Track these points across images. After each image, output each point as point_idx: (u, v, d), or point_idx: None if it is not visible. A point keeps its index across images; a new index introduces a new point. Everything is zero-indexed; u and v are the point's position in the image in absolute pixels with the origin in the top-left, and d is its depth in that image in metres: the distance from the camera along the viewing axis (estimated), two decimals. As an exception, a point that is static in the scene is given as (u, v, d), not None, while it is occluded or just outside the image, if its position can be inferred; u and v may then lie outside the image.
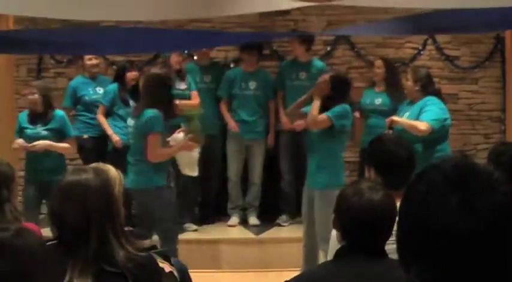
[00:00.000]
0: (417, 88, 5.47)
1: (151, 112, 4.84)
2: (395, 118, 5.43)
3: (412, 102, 5.51)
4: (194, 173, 5.33)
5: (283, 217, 6.58)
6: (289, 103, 6.56)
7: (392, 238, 2.46)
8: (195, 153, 5.23)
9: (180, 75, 6.33)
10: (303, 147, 6.53)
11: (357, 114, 6.25)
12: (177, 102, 6.18)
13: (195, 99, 6.33)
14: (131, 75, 6.22)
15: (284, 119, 6.55)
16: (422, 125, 5.20)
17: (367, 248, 2.14)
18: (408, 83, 5.57)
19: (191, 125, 5.04)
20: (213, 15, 5.82)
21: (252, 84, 6.53)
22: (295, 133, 6.48)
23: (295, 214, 6.58)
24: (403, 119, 5.39)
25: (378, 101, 6.27)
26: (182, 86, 6.32)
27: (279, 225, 6.56)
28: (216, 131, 6.60)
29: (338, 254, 2.20)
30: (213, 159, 6.63)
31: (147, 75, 5.30)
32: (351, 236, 2.18)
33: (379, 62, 6.40)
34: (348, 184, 2.39)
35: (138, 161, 4.91)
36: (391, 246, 2.37)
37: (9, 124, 6.59)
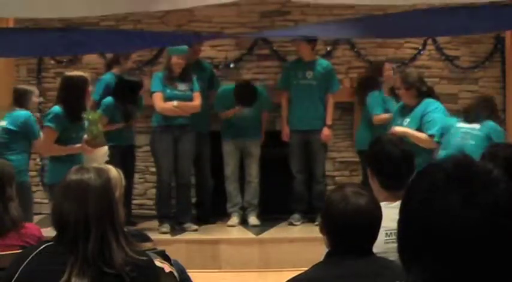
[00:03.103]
0: (413, 93, 5.43)
1: (54, 108, 5.16)
2: (397, 129, 5.41)
3: (408, 107, 5.50)
4: None
5: (296, 216, 6.59)
6: (295, 103, 6.60)
7: (392, 237, 2.47)
8: (105, 157, 5.25)
9: (182, 76, 6.32)
10: (314, 147, 6.57)
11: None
12: (175, 103, 6.22)
13: (197, 100, 6.32)
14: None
15: (285, 129, 6.57)
16: (429, 142, 5.25)
17: (355, 250, 2.18)
18: (401, 91, 5.54)
19: (90, 128, 5.12)
20: (179, 7, 5.85)
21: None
22: (305, 133, 6.51)
23: (306, 213, 6.64)
24: (406, 129, 5.37)
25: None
26: (183, 87, 6.32)
27: (291, 224, 6.58)
28: (203, 129, 6.60)
29: (328, 256, 2.23)
30: (202, 158, 6.65)
31: (64, 76, 5.46)
32: (338, 240, 2.22)
33: (388, 65, 6.40)
34: (333, 189, 2.41)
35: None
36: (391, 245, 2.38)
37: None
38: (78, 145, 5.09)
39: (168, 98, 6.23)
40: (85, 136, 5.12)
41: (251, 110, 6.50)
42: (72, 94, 5.12)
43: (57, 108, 5.11)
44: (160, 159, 6.37)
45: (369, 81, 6.43)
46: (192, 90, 6.32)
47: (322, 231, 2.29)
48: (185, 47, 6.24)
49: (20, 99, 5.69)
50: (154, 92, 6.28)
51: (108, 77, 6.32)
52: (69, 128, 5.10)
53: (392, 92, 6.30)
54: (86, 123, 5.17)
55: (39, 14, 4.90)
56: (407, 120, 5.43)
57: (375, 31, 4.74)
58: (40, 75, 7.13)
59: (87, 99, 5.26)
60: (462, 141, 5.00)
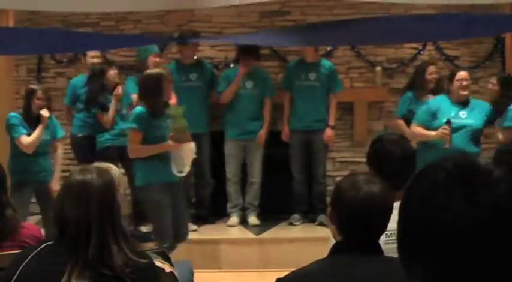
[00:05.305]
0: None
1: (137, 109, 5.08)
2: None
3: (462, 103, 5.59)
4: (179, 171, 5.24)
5: (296, 216, 6.59)
6: (297, 103, 6.59)
7: (393, 238, 2.46)
8: (193, 153, 5.23)
9: None
10: (314, 147, 6.56)
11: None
12: None
13: (173, 99, 6.32)
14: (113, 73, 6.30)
15: (286, 129, 6.56)
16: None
17: (364, 243, 2.13)
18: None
19: (174, 124, 5.10)
20: (199, 6, 5.92)
21: (249, 84, 6.53)
22: (306, 133, 6.49)
23: (306, 213, 6.64)
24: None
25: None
26: None
27: (291, 224, 6.57)
28: (203, 129, 6.58)
29: (334, 249, 2.17)
30: (202, 159, 6.63)
31: (141, 74, 5.41)
32: (348, 230, 2.16)
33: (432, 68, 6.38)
34: (343, 177, 2.35)
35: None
36: (391, 246, 2.37)
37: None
38: (165, 143, 5.06)
39: None
40: (170, 134, 5.11)
41: (254, 91, 6.47)
42: (150, 91, 5.09)
43: (139, 109, 5.08)
44: None
45: (412, 82, 6.43)
46: None
47: (331, 220, 2.23)
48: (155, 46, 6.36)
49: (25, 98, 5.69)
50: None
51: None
52: (153, 126, 5.06)
53: (433, 92, 6.20)
54: (171, 119, 5.14)
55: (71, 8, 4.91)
56: (464, 113, 5.52)
57: (373, 36, 4.75)
58: (40, 75, 7.13)
59: (167, 95, 5.20)
60: None
